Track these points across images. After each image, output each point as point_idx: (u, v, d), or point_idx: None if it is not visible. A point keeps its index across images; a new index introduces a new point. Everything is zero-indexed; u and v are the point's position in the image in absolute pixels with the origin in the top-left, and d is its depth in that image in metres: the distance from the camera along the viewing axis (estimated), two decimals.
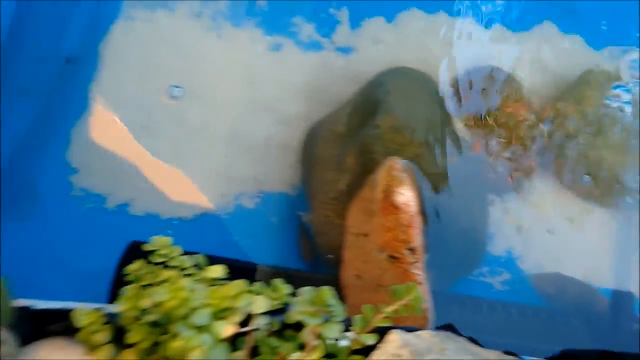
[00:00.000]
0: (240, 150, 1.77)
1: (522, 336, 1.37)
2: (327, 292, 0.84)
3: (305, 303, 0.85)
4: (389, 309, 0.87)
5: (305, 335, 0.85)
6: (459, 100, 1.68)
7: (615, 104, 1.63)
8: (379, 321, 0.88)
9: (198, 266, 0.94)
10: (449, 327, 0.96)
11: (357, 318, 0.88)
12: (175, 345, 0.77)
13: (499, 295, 1.59)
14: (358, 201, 1.32)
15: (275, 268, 1.53)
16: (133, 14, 1.84)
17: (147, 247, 0.93)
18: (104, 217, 1.70)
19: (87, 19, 1.81)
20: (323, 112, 1.75)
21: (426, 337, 0.87)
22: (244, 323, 0.85)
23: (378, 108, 1.46)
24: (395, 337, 0.84)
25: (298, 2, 1.88)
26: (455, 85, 1.69)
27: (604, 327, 1.43)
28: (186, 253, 0.97)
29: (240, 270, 1.43)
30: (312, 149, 1.62)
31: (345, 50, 1.84)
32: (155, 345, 0.83)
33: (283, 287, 0.90)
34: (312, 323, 0.84)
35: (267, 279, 0.93)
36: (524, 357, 0.90)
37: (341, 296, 1.08)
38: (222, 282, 0.92)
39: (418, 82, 1.60)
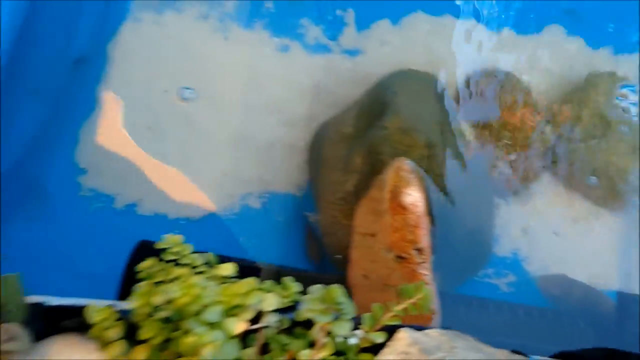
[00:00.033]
0: (246, 151, 1.78)
1: (528, 337, 1.38)
2: (337, 290, 0.85)
3: (315, 301, 0.85)
4: (398, 307, 0.88)
5: (315, 333, 0.86)
6: (465, 102, 1.69)
7: (622, 104, 1.64)
8: (387, 320, 0.89)
9: (209, 264, 0.95)
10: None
11: (366, 316, 0.89)
12: (188, 341, 0.78)
13: (504, 297, 1.59)
14: (366, 201, 1.33)
15: (282, 267, 1.54)
16: (140, 16, 1.86)
17: (159, 245, 0.94)
18: (112, 217, 1.71)
19: (96, 20, 1.83)
20: (329, 113, 1.76)
21: (435, 335, 0.88)
22: (254, 320, 0.86)
23: (385, 110, 1.47)
24: (404, 335, 0.85)
25: (305, 4, 1.89)
26: (461, 87, 1.70)
27: (609, 329, 1.43)
28: (193, 253, 0.98)
29: (246, 269, 1.44)
30: (319, 150, 1.63)
31: (351, 52, 1.85)
32: (167, 341, 0.84)
33: (293, 285, 0.90)
34: (322, 320, 0.84)
35: (274, 279, 0.94)
36: (531, 356, 0.90)
37: (348, 296, 1.09)
38: (232, 280, 0.93)
39: (425, 84, 1.61)
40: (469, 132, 1.67)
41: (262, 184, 1.77)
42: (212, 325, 0.80)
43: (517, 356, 0.88)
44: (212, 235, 1.73)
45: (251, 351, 0.85)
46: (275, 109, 1.81)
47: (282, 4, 1.89)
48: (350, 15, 1.87)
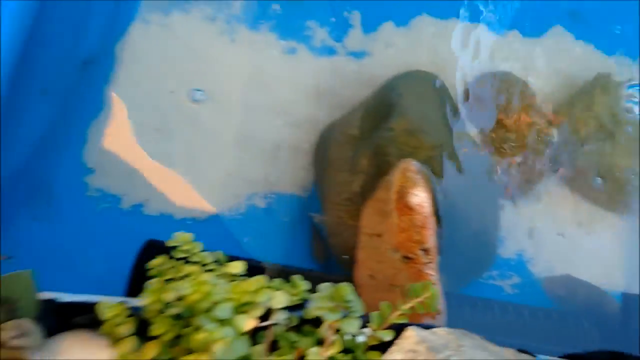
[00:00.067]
0: (252, 152, 1.79)
1: (533, 337, 1.38)
2: (346, 288, 0.86)
3: (324, 299, 0.86)
4: (406, 306, 0.89)
5: (324, 331, 0.87)
6: (470, 104, 1.70)
7: (627, 104, 1.64)
8: (395, 318, 0.90)
9: (218, 262, 0.96)
10: None
11: (374, 315, 0.90)
12: (199, 337, 0.79)
13: (509, 299, 1.60)
14: (372, 202, 1.34)
15: (288, 267, 1.54)
16: (148, 18, 1.87)
17: (169, 243, 0.95)
18: (119, 217, 1.72)
19: (105, 21, 1.84)
20: (335, 115, 1.77)
21: (442, 334, 0.89)
22: (263, 318, 0.87)
23: (391, 111, 1.48)
24: (411, 334, 0.86)
25: (312, 6, 1.90)
26: (466, 89, 1.71)
27: (614, 329, 1.44)
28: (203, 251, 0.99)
29: (253, 269, 1.45)
30: (325, 151, 1.64)
31: (357, 54, 1.86)
32: (177, 338, 0.85)
33: (301, 284, 0.92)
34: (331, 318, 0.85)
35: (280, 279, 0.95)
36: (538, 355, 0.91)
37: None
38: (241, 278, 0.94)
39: (430, 86, 1.62)
40: (474, 134, 1.67)
41: (268, 185, 1.78)
42: (223, 322, 0.82)
43: (523, 355, 0.89)
44: (218, 235, 1.74)
45: (260, 348, 0.86)
46: (281, 111, 1.83)
47: (289, 6, 1.90)
48: (356, 18, 1.88)
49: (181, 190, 1.76)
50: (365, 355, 0.87)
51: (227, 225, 1.74)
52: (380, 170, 1.38)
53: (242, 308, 0.85)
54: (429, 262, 1.23)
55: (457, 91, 1.73)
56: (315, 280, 1.17)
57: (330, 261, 1.65)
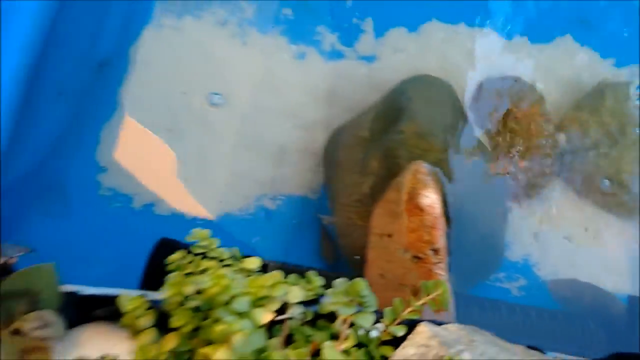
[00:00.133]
0: (262, 154, 1.82)
1: (540, 338, 1.40)
2: (361, 283, 0.88)
3: (339, 293, 0.89)
4: (418, 302, 0.91)
5: (338, 325, 0.89)
6: (478, 108, 1.72)
7: (635, 104, 1.66)
8: (407, 314, 0.92)
9: (235, 258, 0.98)
10: None
11: (387, 310, 0.92)
12: (218, 329, 0.81)
13: (515, 301, 1.62)
14: (383, 203, 1.36)
15: (297, 267, 1.57)
16: (162, 21, 1.91)
17: (188, 239, 0.98)
18: (130, 216, 1.75)
19: (120, 24, 1.88)
20: (344, 118, 1.80)
21: (454, 330, 0.91)
22: (279, 312, 0.89)
23: (401, 114, 1.51)
24: (424, 329, 0.88)
25: (322, 12, 1.93)
26: (475, 94, 1.74)
27: (621, 331, 1.45)
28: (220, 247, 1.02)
29: (263, 268, 1.47)
30: (335, 153, 1.67)
31: (367, 58, 1.89)
32: (196, 330, 0.87)
33: (316, 279, 0.94)
34: (346, 313, 0.87)
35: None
36: (548, 352, 0.93)
37: None
38: (257, 274, 0.96)
39: (439, 90, 1.65)
40: (482, 138, 1.70)
41: (277, 186, 1.80)
42: (241, 315, 0.84)
43: (533, 352, 0.91)
44: (228, 235, 1.76)
45: (276, 341, 0.88)
46: (291, 113, 1.85)
47: (300, 11, 1.93)
48: (367, 23, 1.91)
49: (192, 190, 1.79)
50: (378, 349, 0.89)
51: (237, 226, 1.77)
52: (390, 172, 1.41)
53: (259, 302, 0.87)
54: (439, 262, 1.25)
55: (466, 96, 1.76)
56: (325, 279, 1.19)
57: (338, 261, 1.67)
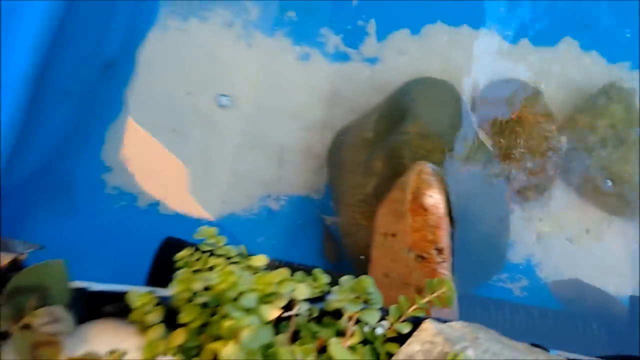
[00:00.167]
0: (266, 154, 1.83)
1: (543, 338, 1.41)
2: (367, 280, 0.89)
3: (345, 291, 0.90)
4: (423, 300, 0.92)
5: (344, 322, 0.90)
6: (482, 110, 1.74)
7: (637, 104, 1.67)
8: (412, 312, 0.93)
9: (242, 255, 1.00)
10: None
11: (392, 308, 0.93)
12: (226, 324, 0.82)
13: (518, 301, 1.63)
14: (387, 203, 1.37)
15: (301, 266, 1.58)
16: (167, 23, 1.93)
17: (196, 236, 0.99)
18: (135, 215, 1.76)
19: (126, 26, 1.89)
20: (348, 119, 1.81)
21: (458, 327, 0.92)
22: (286, 309, 0.90)
23: (405, 115, 1.52)
24: (429, 326, 0.89)
25: (326, 13, 1.95)
26: (478, 96, 1.75)
27: (622, 331, 1.46)
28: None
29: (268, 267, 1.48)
30: (339, 154, 1.68)
31: (371, 60, 1.90)
32: (204, 326, 0.88)
33: (323, 277, 0.95)
34: (352, 309, 0.88)
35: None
36: (552, 350, 0.94)
37: None
38: (264, 271, 0.97)
39: (443, 91, 1.66)
40: (484, 139, 1.71)
41: (281, 187, 1.82)
42: (248, 311, 0.85)
43: (537, 349, 0.92)
44: (232, 235, 1.77)
45: (283, 337, 0.89)
46: (294, 114, 1.87)
47: (304, 14, 1.95)
48: (371, 25, 1.93)
49: (196, 190, 1.80)
50: (383, 346, 0.90)
51: (240, 226, 1.78)
52: (394, 172, 1.42)
53: (266, 298, 0.88)
54: (443, 262, 1.26)
55: (469, 97, 1.77)
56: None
57: (341, 262, 1.68)
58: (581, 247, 1.71)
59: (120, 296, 0.93)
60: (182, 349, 0.85)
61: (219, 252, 0.98)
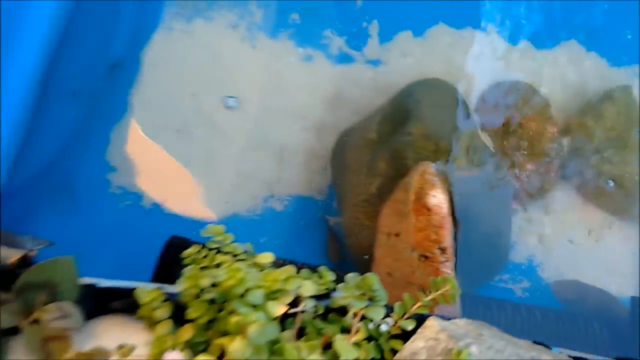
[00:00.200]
0: (270, 155, 1.84)
1: (545, 338, 1.42)
2: (372, 277, 0.90)
3: (351, 287, 0.91)
4: (427, 297, 0.94)
5: (350, 318, 0.91)
6: (484, 112, 1.75)
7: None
8: (417, 309, 0.94)
9: (248, 253, 1.01)
10: None
11: (396, 305, 0.94)
12: (234, 320, 0.83)
13: (519, 301, 1.64)
14: (390, 203, 1.39)
15: (305, 265, 1.59)
16: (172, 25, 1.94)
17: (203, 234, 1.00)
18: (140, 215, 1.77)
19: (131, 28, 1.91)
20: (351, 120, 1.83)
21: (462, 324, 0.93)
22: (292, 305, 0.92)
23: (409, 116, 1.54)
24: (433, 323, 0.90)
25: (330, 16, 1.97)
26: (480, 97, 1.77)
27: (624, 331, 1.47)
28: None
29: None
30: (342, 155, 1.69)
31: (374, 62, 1.92)
32: (211, 321, 0.89)
33: (328, 274, 0.96)
34: (357, 306, 0.90)
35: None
36: (554, 347, 0.95)
37: None
38: (269, 268, 0.98)
39: (446, 93, 1.67)
40: (487, 141, 1.72)
41: (284, 187, 1.83)
42: (255, 307, 0.86)
43: (539, 347, 0.93)
44: (235, 236, 1.78)
45: (289, 334, 0.91)
46: (298, 115, 1.88)
47: (307, 16, 1.97)
48: (374, 27, 1.95)
49: (200, 190, 1.81)
50: (388, 343, 0.92)
51: (244, 226, 1.79)
52: (398, 172, 1.44)
53: (273, 295, 0.89)
54: (446, 261, 1.28)
55: (471, 99, 1.79)
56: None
57: (344, 262, 1.70)
58: (583, 248, 1.72)
59: (128, 292, 0.94)
60: (189, 344, 0.87)
61: (226, 249, 0.99)
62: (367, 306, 0.91)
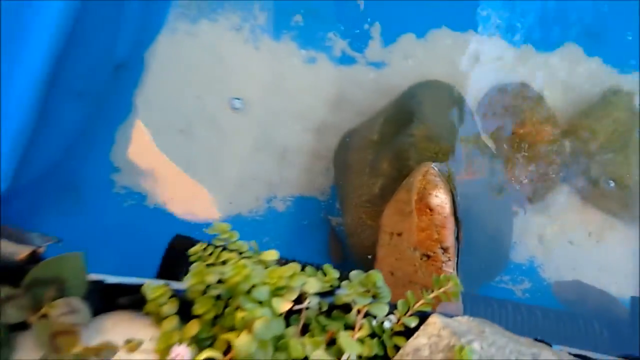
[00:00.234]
0: (272, 156, 1.86)
1: (545, 337, 1.43)
2: (376, 275, 0.92)
3: (355, 285, 0.92)
4: (430, 295, 0.95)
5: (353, 315, 0.92)
6: (486, 114, 1.77)
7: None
8: (419, 307, 0.95)
9: (254, 250, 1.02)
10: None
11: (399, 302, 0.96)
12: (240, 316, 0.85)
13: (520, 301, 1.65)
14: (393, 203, 1.40)
15: (308, 264, 1.60)
16: (176, 26, 1.96)
17: (209, 232, 1.02)
18: (144, 214, 1.79)
19: (136, 29, 1.93)
20: (354, 122, 1.84)
21: (464, 321, 0.94)
22: (296, 302, 0.93)
23: (412, 118, 1.55)
24: (436, 320, 0.91)
25: (333, 18, 1.98)
26: (482, 99, 1.78)
27: (624, 331, 1.48)
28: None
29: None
30: (345, 156, 1.71)
31: (376, 64, 1.94)
32: (217, 317, 0.91)
33: (332, 272, 0.97)
34: (361, 303, 0.91)
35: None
36: (554, 345, 0.96)
37: None
38: (274, 266, 1.00)
39: (448, 95, 1.69)
40: (488, 142, 1.74)
41: (288, 188, 1.84)
42: (261, 304, 0.87)
43: (540, 344, 0.95)
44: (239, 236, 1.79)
45: (293, 330, 0.92)
46: (301, 117, 1.90)
47: (310, 18, 1.99)
48: (376, 29, 1.96)
49: (203, 190, 1.83)
50: (391, 339, 0.93)
51: (247, 226, 1.81)
52: (400, 173, 1.45)
53: (278, 291, 0.91)
54: (448, 260, 1.29)
55: (473, 101, 1.80)
56: None
57: (346, 262, 1.71)
58: (583, 248, 1.73)
59: (135, 289, 0.95)
60: (196, 340, 0.88)
61: (232, 247, 1.00)
62: (370, 303, 0.92)
